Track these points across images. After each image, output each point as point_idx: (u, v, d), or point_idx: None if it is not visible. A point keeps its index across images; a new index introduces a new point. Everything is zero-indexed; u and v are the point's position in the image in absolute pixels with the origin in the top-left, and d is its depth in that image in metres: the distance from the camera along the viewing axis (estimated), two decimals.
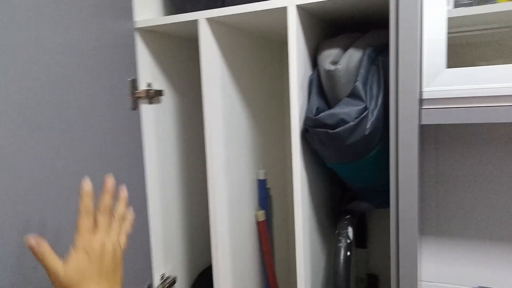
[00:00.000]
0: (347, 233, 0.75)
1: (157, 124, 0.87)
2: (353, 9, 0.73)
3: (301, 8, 0.67)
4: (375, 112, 0.63)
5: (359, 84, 0.63)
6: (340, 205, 0.89)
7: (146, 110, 0.83)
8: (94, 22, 0.69)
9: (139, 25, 0.79)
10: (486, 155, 0.84)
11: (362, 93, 0.63)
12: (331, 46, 0.70)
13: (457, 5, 0.71)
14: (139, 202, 0.82)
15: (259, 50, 0.97)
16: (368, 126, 0.62)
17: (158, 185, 0.87)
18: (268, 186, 1.01)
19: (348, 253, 0.74)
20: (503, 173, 0.84)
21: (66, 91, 0.63)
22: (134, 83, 0.80)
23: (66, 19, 0.63)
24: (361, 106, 0.63)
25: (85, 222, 0.51)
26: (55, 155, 0.61)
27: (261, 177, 0.96)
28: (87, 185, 0.52)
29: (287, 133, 1.14)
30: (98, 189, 0.67)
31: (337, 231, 0.76)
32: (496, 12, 0.70)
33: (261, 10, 0.67)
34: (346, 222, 0.77)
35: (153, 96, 0.85)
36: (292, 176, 1.16)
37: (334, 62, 0.67)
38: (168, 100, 0.91)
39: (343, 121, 0.62)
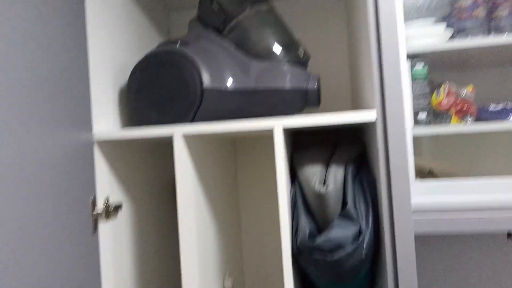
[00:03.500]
0: None
1: (114, 242, 0.76)
2: (325, 127, 0.75)
3: (285, 129, 0.67)
4: (368, 233, 0.63)
5: (351, 207, 0.63)
6: None
7: (104, 228, 0.73)
8: (51, 134, 0.60)
9: (98, 137, 0.71)
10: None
11: (354, 215, 0.63)
12: (311, 162, 0.70)
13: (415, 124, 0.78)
14: None
15: (219, 151, 0.94)
16: (364, 248, 0.62)
17: None
18: None
19: None
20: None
21: (22, 216, 0.52)
22: (94, 201, 0.70)
23: (17, 129, 0.54)
24: (355, 228, 0.62)
25: None
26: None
27: (229, 286, 0.89)
28: None
29: (244, 237, 1.09)
30: None
31: None
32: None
33: (247, 130, 0.66)
34: None
35: (112, 211, 0.75)
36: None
37: (321, 182, 0.67)
38: (125, 212, 0.81)
39: (340, 247, 0.61)
